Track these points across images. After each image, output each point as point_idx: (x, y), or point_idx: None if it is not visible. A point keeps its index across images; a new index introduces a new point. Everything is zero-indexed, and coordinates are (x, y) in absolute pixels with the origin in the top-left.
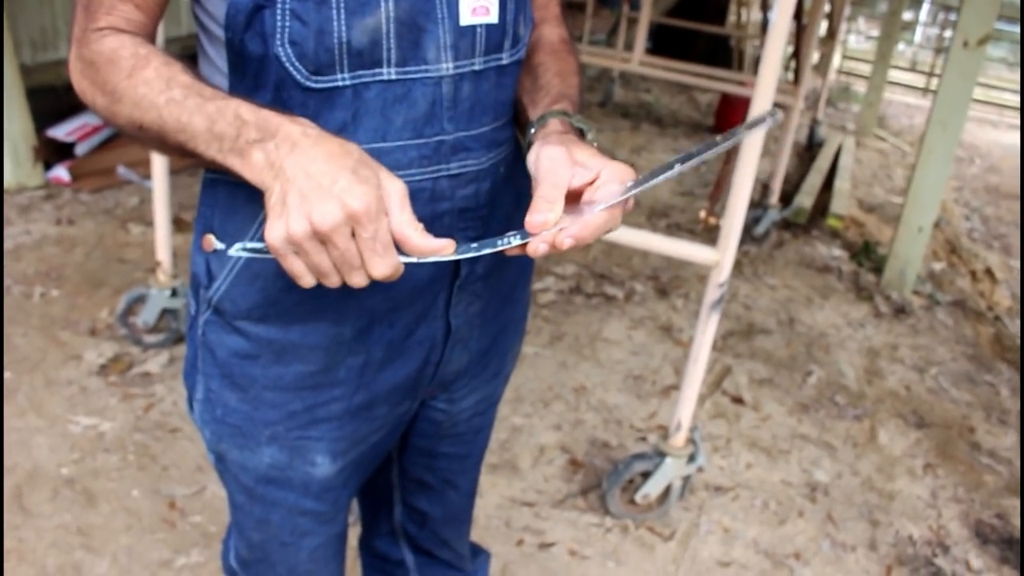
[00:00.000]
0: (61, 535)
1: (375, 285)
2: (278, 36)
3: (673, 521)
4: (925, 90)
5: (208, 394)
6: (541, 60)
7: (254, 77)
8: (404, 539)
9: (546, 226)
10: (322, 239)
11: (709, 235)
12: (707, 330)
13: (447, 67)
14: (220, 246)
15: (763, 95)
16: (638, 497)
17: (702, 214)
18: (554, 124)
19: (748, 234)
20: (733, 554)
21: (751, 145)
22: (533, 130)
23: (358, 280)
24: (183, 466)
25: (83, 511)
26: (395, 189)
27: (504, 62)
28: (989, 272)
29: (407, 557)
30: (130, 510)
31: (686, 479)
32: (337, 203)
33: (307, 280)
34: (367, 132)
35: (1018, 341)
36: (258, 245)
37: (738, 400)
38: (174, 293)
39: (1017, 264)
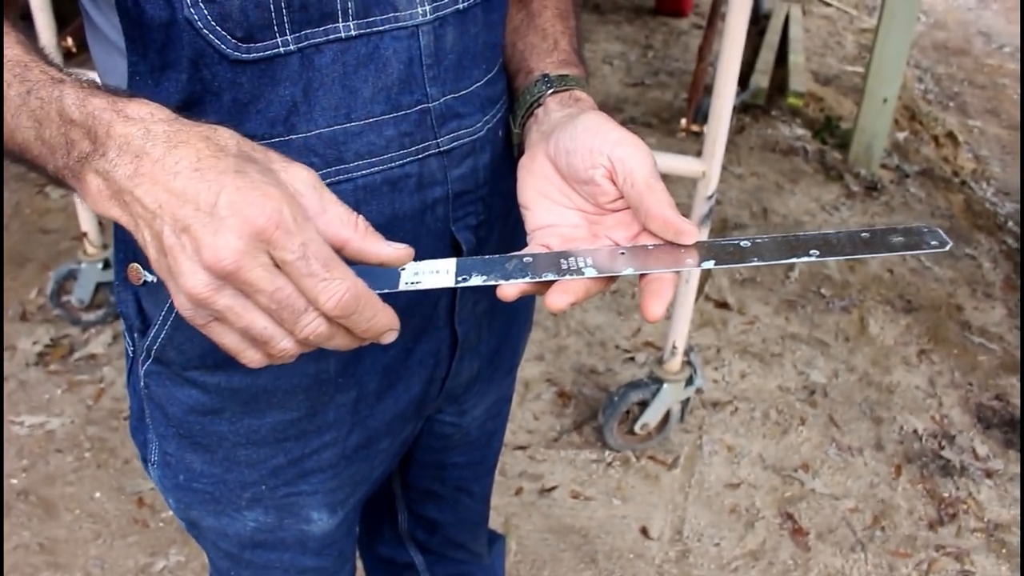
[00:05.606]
0: (22, 555)
1: None
2: None
3: (675, 446)
4: None
5: (165, 458)
6: None
7: (160, 52)
8: (412, 543)
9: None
10: (237, 285)
11: (667, 127)
12: None
13: (423, 10)
14: (151, 278)
15: None
16: (637, 427)
17: (683, 122)
18: (586, 100)
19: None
20: (740, 473)
21: (733, 38)
22: (551, 89)
23: (314, 330)
24: None
25: (43, 524)
26: (302, 179)
27: None
28: (951, 136)
29: (416, 559)
30: (95, 515)
31: (685, 402)
32: (231, 226)
33: (249, 356)
34: (326, 111)
35: (988, 206)
36: None
37: (722, 305)
38: (107, 265)
39: (976, 123)
